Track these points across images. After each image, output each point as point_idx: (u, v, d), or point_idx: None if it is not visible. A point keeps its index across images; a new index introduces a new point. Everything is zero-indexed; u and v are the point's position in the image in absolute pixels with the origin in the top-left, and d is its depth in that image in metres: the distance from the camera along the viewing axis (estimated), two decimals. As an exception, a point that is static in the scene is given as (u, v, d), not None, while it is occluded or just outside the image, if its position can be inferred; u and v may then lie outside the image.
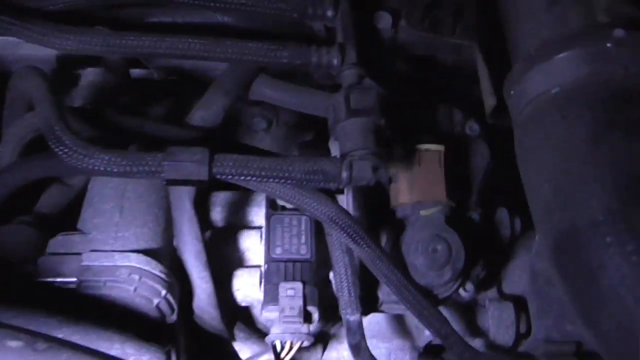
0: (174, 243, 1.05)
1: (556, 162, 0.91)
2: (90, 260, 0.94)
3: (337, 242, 0.99)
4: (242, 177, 0.88)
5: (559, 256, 0.91)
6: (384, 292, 1.07)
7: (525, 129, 0.98)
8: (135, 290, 0.92)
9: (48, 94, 0.93)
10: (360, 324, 1.01)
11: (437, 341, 1.14)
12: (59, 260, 0.93)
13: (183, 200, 1.02)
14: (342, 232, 0.93)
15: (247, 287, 1.10)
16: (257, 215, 1.21)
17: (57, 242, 0.98)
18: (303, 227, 1.12)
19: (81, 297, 0.91)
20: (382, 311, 1.13)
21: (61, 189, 1.07)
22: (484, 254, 1.12)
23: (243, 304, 1.12)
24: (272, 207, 1.16)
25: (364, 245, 0.94)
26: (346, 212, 0.94)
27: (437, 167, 1.04)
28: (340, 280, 1.00)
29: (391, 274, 0.97)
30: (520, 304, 1.17)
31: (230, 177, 0.88)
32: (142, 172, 0.86)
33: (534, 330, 1.12)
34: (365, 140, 0.93)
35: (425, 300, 1.01)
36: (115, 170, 0.85)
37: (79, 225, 1.02)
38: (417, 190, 1.04)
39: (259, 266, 1.13)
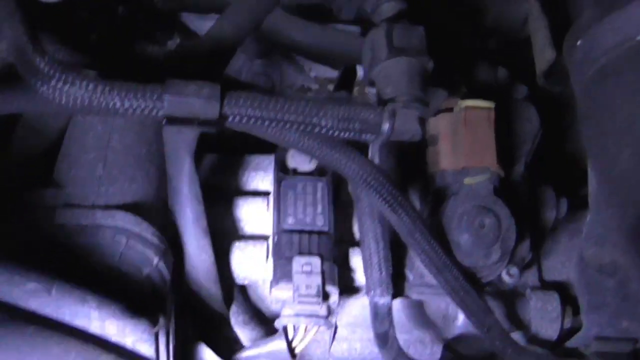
0: (169, 205, 0.87)
1: None
2: (65, 218, 0.76)
3: (369, 208, 0.82)
4: (259, 121, 0.71)
5: (640, 239, 0.75)
6: (416, 273, 0.91)
7: (596, 85, 0.82)
8: (120, 256, 0.74)
9: (16, 9, 0.74)
10: (390, 308, 0.85)
11: (470, 332, 0.98)
12: (27, 217, 0.75)
13: (181, 154, 0.84)
14: (377, 196, 0.76)
15: (250, 261, 0.93)
16: (263, 180, 1.03)
17: (26, 197, 0.79)
18: (319, 194, 0.95)
19: (55, 263, 0.73)
20: (407, 296, 0.96)
21: (34, 134, 0.88)
22: (530, 234, 0.96)
23: (245, 282, 0.94)
24: (283, 170, 0.99)
25: (402, 214, 0.78)
26: (383, 173, 0.77)
27: (486, 128, 0.88)
28: (369, 254, 0.83)
29: (432, 250, 0.81)
30: (562, 293, 1.02)
31: (244, 119, 0.70)
32: (137, 107, 0.67)
33: (585, 325, 0.96)
34: (411, 84, 0.76)
35: (468, 284, 0.85)
36: (103, 103, 0.67)
37: (53, 179, 0.84)
38: (462, 155, 0.87)
39: (265, 238, 0.96)
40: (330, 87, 1.33)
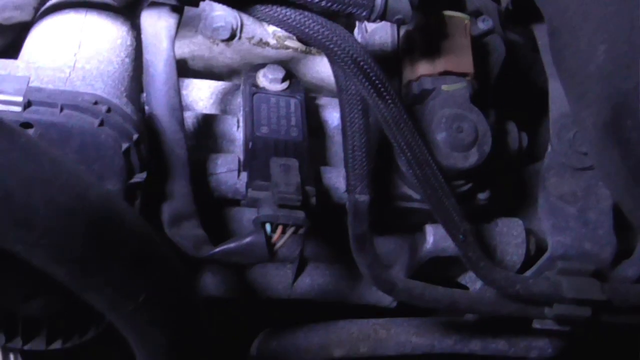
0: (143, 98, 0.83)
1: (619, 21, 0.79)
2: (42, 81, 0.71)
3: (355, 97, 0.80)
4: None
5: (619, 122, 0.77)
6: (395, 183, 0.90)
7: None
8: (101, 124, 0.70)
9: None
10: (369, 208, 0.83)
11: (438, 253, 0.97)
12: (-1, 78, 0.70)
13: (161, 39, 0.81)
14: (365, 80, 0.76)
15: (222, 172, 0.90)
16: (232, 104, 1.02)
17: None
18: (292, 109, 0.94)
19: (26, 127, 0.68)
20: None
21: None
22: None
23: (215, 194, 0.91)
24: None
25: (390, 101, 0.77)
26: (372, 57, 0.76)
27: (463, 36, 0.89)
28: (352, 149, 0.81)
29: (415, 143, 0.80)
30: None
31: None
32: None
33: (551, 247, 0.97)
34: (401, -33, 0.77)
35: (447, 185, 0.84)
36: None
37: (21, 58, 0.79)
38: (441, 60, 0.88)
39: (235, 154, 0.93)
40: (288, 42, 1.34)
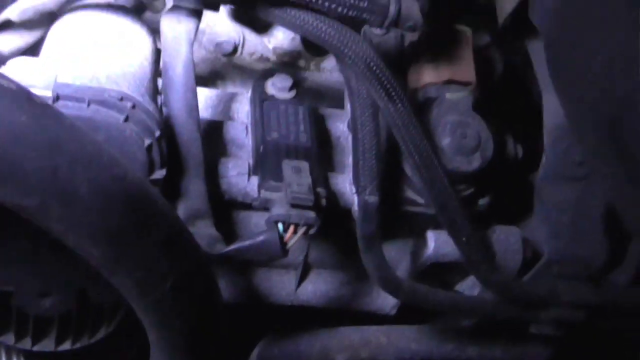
0: (161, 99, 0.86)
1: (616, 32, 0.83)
2: (67, 78, 0.73)
3: (367, 101, 0.84)
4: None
5: (616, 125, 0.81)
6: (400, 187, 0.93)
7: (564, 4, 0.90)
8: (126, 120, 0.72)
9: None
10: (377, 209, 0.86)
11: (439, 259, 1.00)
12: (25, 72, 0.72)
13: (180, 43, 0.84)
14: (377, 83, 0.79)
15: (233, 175, 0.92)
16: (239, 112, 1.04)
17: (17, 64, 0.76)
18: (301, 115, 0.97)
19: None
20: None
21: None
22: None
23: (226, 197, 0.93)
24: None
25: (399, 105, 0.81)
26: (383, 61, 0.80)
27: (466, 47, 0.93)
28: (362, 150, 0.84)
29: (423, 146, 0.84)
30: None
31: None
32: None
33: (548, 252, 1.01)
34: (412, -22, 0.81)
35: (451, 188, 0.88)
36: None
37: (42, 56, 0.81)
38: (444, 69, 0.92)
39: (244, 159, 0.96)
40: (287, 58, 1.38)
